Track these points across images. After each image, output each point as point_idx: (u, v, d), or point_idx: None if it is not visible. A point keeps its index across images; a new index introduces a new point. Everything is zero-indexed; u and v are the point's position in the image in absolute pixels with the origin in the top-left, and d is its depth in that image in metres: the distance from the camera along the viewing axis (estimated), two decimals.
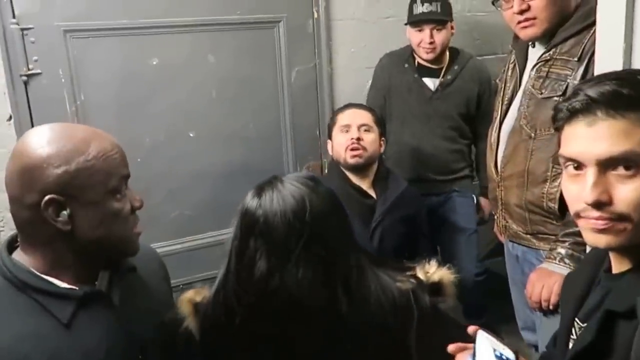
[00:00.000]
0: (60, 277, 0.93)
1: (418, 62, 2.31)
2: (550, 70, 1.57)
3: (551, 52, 1.58)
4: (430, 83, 2.30)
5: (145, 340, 1.00)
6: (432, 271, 1.12)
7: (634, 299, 0.76)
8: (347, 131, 1.90)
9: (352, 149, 1.86)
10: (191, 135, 2.30)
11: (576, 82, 1.49)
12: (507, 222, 1.77)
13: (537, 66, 1.61)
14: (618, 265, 0.85)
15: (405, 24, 2.30)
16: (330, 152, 2.02)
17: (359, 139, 1.86)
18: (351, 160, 1.87)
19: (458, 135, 2.35)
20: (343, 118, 1.94)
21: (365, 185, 1.92)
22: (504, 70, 1.82)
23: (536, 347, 1.90)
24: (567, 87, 1.51)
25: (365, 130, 1.90)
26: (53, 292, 0.91)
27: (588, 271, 0.95)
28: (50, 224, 0.88)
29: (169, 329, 1.08)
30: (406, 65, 2.31)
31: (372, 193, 1.91)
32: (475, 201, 2.45)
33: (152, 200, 2.23)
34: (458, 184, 2.38)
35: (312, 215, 0.96)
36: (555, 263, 1.52)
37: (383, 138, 1.96)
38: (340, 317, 0.97)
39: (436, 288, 1.08)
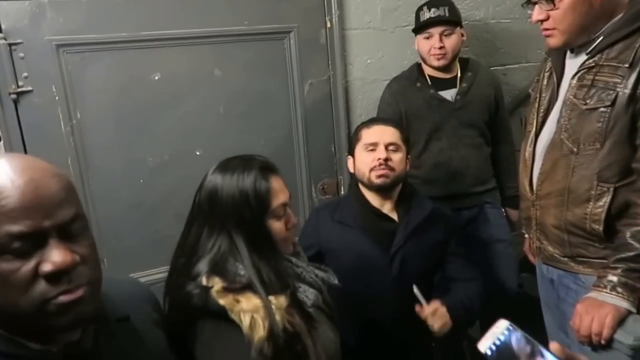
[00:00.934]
0: (26, 337, 0.74)
1: (430, 77, 2.22)
2: (596, 78, 1.43)
3: (596, 59, 1.44)
4: (448, 95, 2.21)
5: None
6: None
7: None
8: (373, 149, 1.72)
9: (379, 170, 1.69)
10: (198, 153, 2.13)
11: (627, 90, 1.36)
12: (542, 243, 1.64)
13: (580, 74, 1.47)
14: None
15: (413, 31, 2.21)
16: (350, 170, 1.84)
17: (386, 160, 1.69)
18: (377, 181, 1.70)
19: (484, 143, 2.28)
20: (369, 135, 1.75)
21: (387, 208, 1.76)
22: (538, 80, 1.69)
23: None
24: (616, 97, 1.38)
25: (393, 150, 1.72)
26: (23, 355, 0.73)
27: None
28: None
29: None
30: (418, 85, 2.22)
31: (395, 216, 1.75)
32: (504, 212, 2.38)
33: (156, 224, 2.09)
34: (489, 196, 2.31)
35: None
36: (606, 292, 1.38)
37: (408, 157, 1.81)
38: None
39: None
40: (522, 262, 2.71)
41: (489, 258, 2.27)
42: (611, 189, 1.43)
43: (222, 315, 1.10)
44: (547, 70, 1.65)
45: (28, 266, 0.71)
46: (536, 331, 2.62)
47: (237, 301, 1.10)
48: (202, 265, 1.16)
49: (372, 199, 1.75)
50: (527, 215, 1.70)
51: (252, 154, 1.26)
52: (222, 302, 1.09)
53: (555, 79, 1.59)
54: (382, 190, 1.73)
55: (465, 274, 1.79)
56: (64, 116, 1.93)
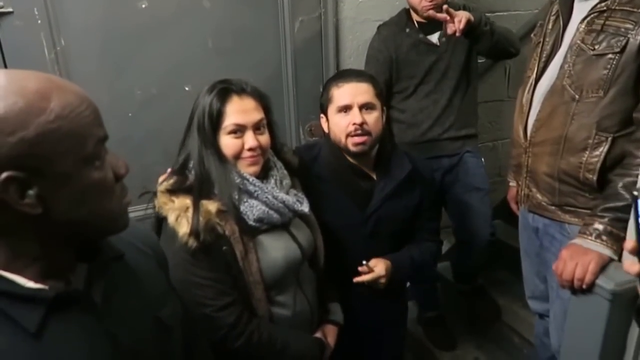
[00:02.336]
0: (22, 273, 0.73)
1: (418, 22, 2.20)
2: (607, 22, 1.40)
3: (608, 2, 1.41)
4: (435, 38, 2.21)
5: (136, 343, 0.82)
6: None
7: None
8: (346, 112, 1.60)
9: (355, 136, 1.60)
10: (187, 89, 2.09)
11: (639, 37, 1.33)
12: (530, 191, 1.66)
13: (590, 18, 1.44)
14: None
15: None
16: (325, 130, 1.71)
17: (362, 124, 1.58)
18: (354, 149, 1.61)
19: (470, 83, 2.30)
20: (341, 96, 1.60)
21: (365, 164, 1.69)
22: (541, 24, 1.65)
23: (540, 315, 1.91)
24: (626, 44, 1.35)
25: (368, 109, 1.60)
26: (16, 294, 0.71)
27: None
28: (14, 208, 0.68)
29: (167, 326, 0.91)
30: (407, 30, 2.20)
31: (373, 174, 1.70)
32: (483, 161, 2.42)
33: (144, 160, 2.06)
34: (470, 143, 2.34)
35: None
36: (591, 240, 1.40)
37: (384, 109, 1.68)
38: None
39: None
40: (496, 209, 2.84)
41: (465, 206, 2.33)
42: (609, 139, 1.41)
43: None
44: (553, 13, 1.59)
45: (109, 171, 0.77)
46: (510, 275, 2.80)
47: (171, 201, 1.31)
48: (175, 162, 1.40)
49: (349, 157, 1.68)
50: (517, 162, 1.69)
51: (237, 78, 1.43)
52: (156, 201, 1.33)
53: (561, 23, 1.53)
54: (358, 156, 1.66)
55: (427, 233, 1.82)
56: (47, 42, 1.85)
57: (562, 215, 1.58)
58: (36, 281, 0.73)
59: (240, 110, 1.35)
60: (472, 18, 2.00)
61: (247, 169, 1.38)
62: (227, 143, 1.36)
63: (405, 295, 2.06)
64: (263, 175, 1.42)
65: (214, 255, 1.31)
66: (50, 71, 1.85)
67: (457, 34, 1.98)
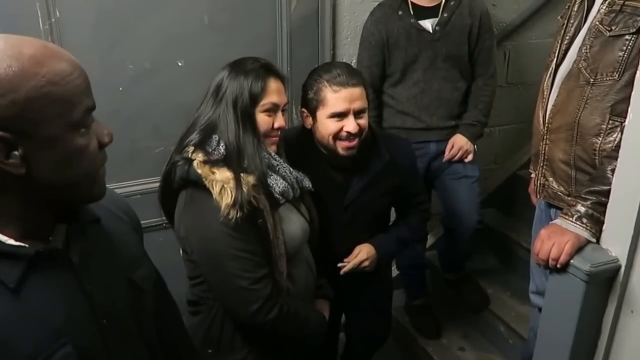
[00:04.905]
0: (3, 231, 0.76)
1: (412, 4, 2.15)
2: (626, 2, 1.36)
3: None
4: (428, 24, 2.16)
5: (110, 302, 0.86)
6: None
7: None
8: (340, 118, 1.56)
9: (346, 140, 1.58)
10: (179, 64, 2.10)
11: None
12: (547, 180, 1.62)
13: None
14: None
15: None
16: (307, 126, 1.66)
17: (357, 130, 1.57)
18: (345, 153, 1.60)
19: (461, 77, 2.24)
20: (337, 103, 1.55)
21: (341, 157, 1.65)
22: (569, 6, 1.59)
23: (540, 309, 1.83)
24: None
25: (361, 113, 1.58)
26: None
27: None
28: None
29: (140, 288, 0.94)
30: (400, 13, 2.15)
31: (349, 166, 1.68)
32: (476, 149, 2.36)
33: (134, 134, 2.09)
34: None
35: None
36: (571, 221, 1.40)
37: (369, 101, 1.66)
38: None
39: None
40: (490, 196, 2.81)
41: (452, 193, 2.31)
42: (624, 124, 1.33)
43: (198, 183, 1.33)
44: None
45: (94, 139, 0.80)
46: (499, 264, 2.76)
47: (212, 172, 1.32)
48: (193, 135, 1.41)
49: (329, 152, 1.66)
50: (536, 150, 1.65)
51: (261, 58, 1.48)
52: (199, 171, 1.33)
53: (586, 4, 1.50)
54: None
55: (412, 208, 1.85)
56: (42, 13, 1.87)
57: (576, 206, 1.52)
58: (16, 239, 0.76)
59: (277, 91, 1.43)
60: (470, 148, 2.24)
61: (270, 146, 1.45)
62: (263, 120, 1.41)
63: (389, 277, 2.08)
64: (278, 152, 1.50)
65: (251, 228, 1.35)
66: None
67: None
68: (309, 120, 1.65)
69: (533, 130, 1.69)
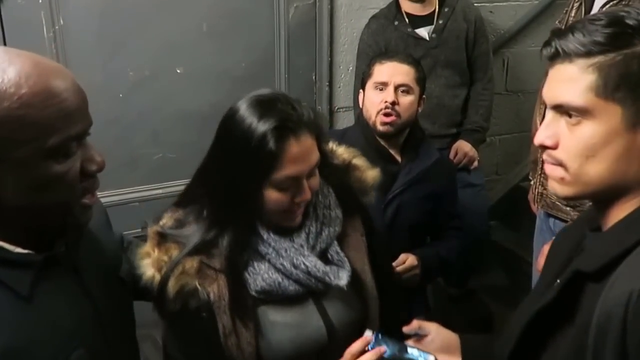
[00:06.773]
0: (9, 241, 0.76)
1: (407, 14, 2.18)
2: None
3: None
4: (425, 32, 2.18)
5: (109, 302, 0.88)
6: None
7: (603, 259, 0.70)
8: (382, 90, 1.62)
9: (384, 114, 1.59)
10: (178, 71, 2.14)
11: None
12: (544, 189, 1.61)
13: (609, 5, 1.42)
14: (604, 222, 0.77)
15: None
16: (360, 104, 1.74)
17: (394, 103, 1.59)
18: (381, 128, 1.61)
19: (461, 83, 2.26)
20: (380, 73, 1.63)
21: (393, 148, 1.67)
22: (567, 11, 1.62)
23: None
24: None
25: (404, 92, 1.62)
26: (6, 259, 0.74)
27: (579, 229, 0.86)
28: None
29: (126, 282, 0.98)
30: (396, 23, 2.18)
31: (400, 158, 1.68)
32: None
33: (133, 141, 2.13)
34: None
35: None
36: None
37: (423, 96, 1.70)
38: None
39: None
40: (492, 209, 2.68)
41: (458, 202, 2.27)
42: None
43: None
44: (577, 0, 1.58)
45: (75, 166, 0.76)
46: (504, 280, 2.66)
47: (152, 252, 1.01)
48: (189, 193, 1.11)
49: (379, 137, 1.68)
50: (534, 157, 1.64)
51: (297, 98, 1.03)
52: (138, 249, 1.04)
53: (583, 10, 1.52)
54: (385, 137, 1.65)
55: (451, 230, 1.78)
56: (46, 20, 1.91)
57: (575, 216, 1.50)
58: (22, 248, 0.77)
59: (297, 158, 0.98)
60: (474, 154, 2.23)
61: (284, 222, 1.05)
62: (273, 198, 1.00)
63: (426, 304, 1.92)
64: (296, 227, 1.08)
65: (190, 324, 1.01)
66: (48, 49, 1.92)
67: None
68: (361, 97, 1.71)
69: (531, 137, 1.70)
